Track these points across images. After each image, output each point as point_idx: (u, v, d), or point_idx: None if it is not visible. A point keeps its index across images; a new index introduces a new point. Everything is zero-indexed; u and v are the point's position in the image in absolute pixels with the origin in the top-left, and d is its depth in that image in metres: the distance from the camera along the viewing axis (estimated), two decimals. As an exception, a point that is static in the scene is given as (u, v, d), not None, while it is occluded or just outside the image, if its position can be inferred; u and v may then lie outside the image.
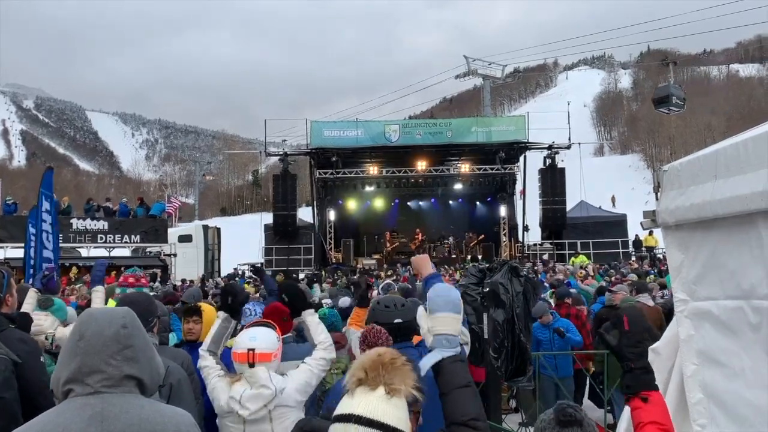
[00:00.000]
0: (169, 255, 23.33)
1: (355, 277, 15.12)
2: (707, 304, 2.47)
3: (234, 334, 3.51)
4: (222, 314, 3.49)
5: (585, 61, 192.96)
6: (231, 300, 3.53)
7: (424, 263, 2.74)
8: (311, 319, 3.55)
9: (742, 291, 2.26)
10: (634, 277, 11.71)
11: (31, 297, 4.62)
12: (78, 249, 22.06)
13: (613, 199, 49.51)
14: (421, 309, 2.18)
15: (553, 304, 8.40)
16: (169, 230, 25.19)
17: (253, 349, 3.00)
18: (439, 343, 1.99)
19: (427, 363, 1.95)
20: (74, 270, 18.98)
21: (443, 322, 2.02)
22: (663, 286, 9.80)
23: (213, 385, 3.19)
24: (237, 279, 19.69)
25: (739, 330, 2.32)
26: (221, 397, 3.10)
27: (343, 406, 1.55)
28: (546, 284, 11.03)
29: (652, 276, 14.34)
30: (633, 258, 24.95)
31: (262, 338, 3.06)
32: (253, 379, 2.99)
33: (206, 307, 4.56)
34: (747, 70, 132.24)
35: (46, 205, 9.18)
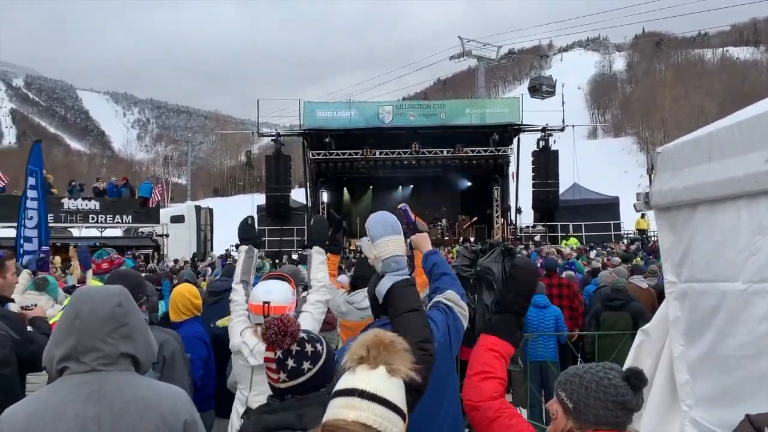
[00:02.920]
0: (161, 235, 23.27)
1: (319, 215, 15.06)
2: (686, 286, 2.52)
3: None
4: (243, 247, 3.65)
5: (579, 43, 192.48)
6: (250, 223, 3.79)
7: (424, 241, 2.84)
8: (317, 255, 3.65)
9: (711, 274, 2.30)
10: (617, 260, 11.77)
11: (23, 278, 4.63)
12: (69, 229, 21.95)
13: None
14: (365, 240, 2.24)
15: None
16: (162, 210, 25.09)
17: (268, 302, 3.12)
18: (388, 267, 2.07)
19: (382, 289, 2.03)
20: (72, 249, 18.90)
21: (386, 246, 2.10)
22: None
23: (233, 322, 3.32)
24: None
25: (704, 313, 2.37)
26: (235, 336, 3.23)
27: (346, 382, 1.56)
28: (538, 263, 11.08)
29: (638, 258, 14.45)
30: (624, 240, 25.13)
31: (277, 291, 3.18)
32: None
33: (176, 289, 4.55)
34: (741, 53, 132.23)
35: (31, 181, 9.06)
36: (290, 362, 1.90)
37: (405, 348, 1.61)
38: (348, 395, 1.52)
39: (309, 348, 1.93)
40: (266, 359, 1.97)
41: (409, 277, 2.11)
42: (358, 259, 3.83)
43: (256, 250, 3.67)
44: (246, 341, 3.15)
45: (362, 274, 3.93)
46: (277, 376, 1.93)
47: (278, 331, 1.92)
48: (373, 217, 2.22)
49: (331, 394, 1.57)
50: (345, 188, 31.24)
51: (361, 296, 3.81)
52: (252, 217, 3.89)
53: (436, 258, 2.73)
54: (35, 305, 3.79)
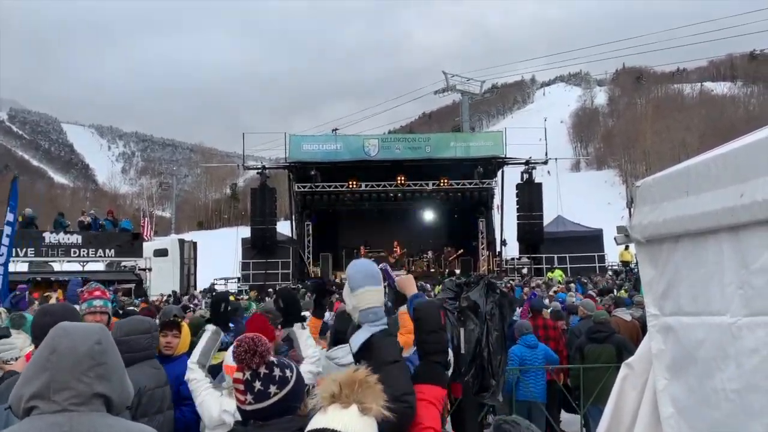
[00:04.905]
0: (144, 269, 23.03)
1: (311, 280, 14.99)
2: (671, 320, 2.52)
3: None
4: (211, 327, 3.50)
5: (561, 78, 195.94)
6: (223, 308, 3.55)
7: (408, 283, 2.85)
8: (301, 332, 3.57)
9: (697, 307, 2.31)
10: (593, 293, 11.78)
11: None
12: (50, 263, 21.66)
13: None
14: (346, 289, 2.21)
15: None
16: (145, 244, 24.90)
17: None
18: (365, 318, 2.03)
19: (357, 340, 2.00)
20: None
21: (365, 296, 2.06)
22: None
23: (203, 398, 3.19)
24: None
25: (690, 346, 2.37)
26: (213, 409, 3.11)
27: (317, 422, 1.54)
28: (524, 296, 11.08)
29: (623, 290, 14.51)
30: (609, 273, 25.23)
31: None
32: None
33: (185, 324, 4.58)
34: (719, 88, 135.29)
35: (9, 217, 9.03)
36: (257, 384, 1.91)
37: (378, 383, 1.59)
38: None
39: (277, 372, 1.93)
40: (235, 380, 1.97)
41: (387, 327, 2.07)
42: (338, 313, 3.71)
43: (222, 335, 3.52)
44: (227, 408, 3.02)
45: (345, 328, 3.79)
46: (244, 397, 1.94)
47: (248, 349, 1.92)
48: (354, 266, 2.18)
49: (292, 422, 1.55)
50: (330, 220, 31.16)
51: (343, 351, 3.66)
52: (225, 300, 3.66)
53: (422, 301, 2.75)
54: (11, 358, 3.66)
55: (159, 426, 3.39)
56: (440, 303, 3.07)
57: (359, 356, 2.02)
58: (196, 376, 3.29)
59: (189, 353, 4.22)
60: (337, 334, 4.08)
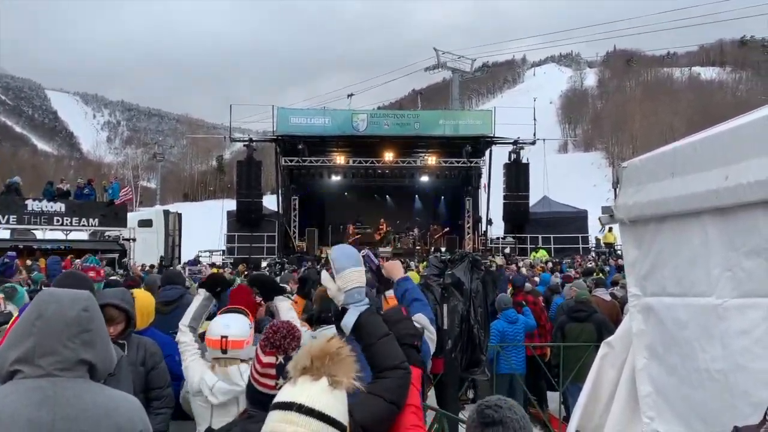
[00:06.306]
0: (128, 240, 22.89)
1: (306, 267, 14.99)
2: (653, 300, 2.55)
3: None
4: (203, 291, 3.55)
5: (552, 59, 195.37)
6: (219, 290, 3.62)
7: (395, 267, 2.96)
8: (282, 304, 3.59)
9: (681, 288, 2.34)
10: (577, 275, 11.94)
11: None
12: (33, 231, 21.45)
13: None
14: (324, 273, 2.29)
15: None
16: (129, 214, 24.70)
17: (226, 336, 3.06)
18: (351, 298, 2.09)
19: (349, 322, 2.05)
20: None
21: (351, 277, 2.12)
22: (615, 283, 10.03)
23: (188, 364, 3.24)
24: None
25: (672, 327, 2.40)
26: (194, 377, 3.15)
27: (285, 394, 1.55)
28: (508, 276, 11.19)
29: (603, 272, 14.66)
30: (592, 254, 25.46)
31: (235, 325, 3.11)
32: (228, 376, 3.06)
33: (139, 294, 4.41)
34: (708, 73, 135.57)
35: None
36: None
37: (351, 357, 1.61)
38: (285, 409, 1.51)
39: None
40: (265, 365, 2.00)
41: (371, 305, 2.15)
42: (321, 296, 3.76)
43: (213, 299, 3.58)
44: (206, 380, 3.08)
45: (328, 307, 3.79)
46: (275, 382, 1.96)
47: (286, 334, 1.99)
48: (337, 250, 2.25)
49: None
50: (317, 195, 31.07)
51: (331, 331, 3.67)
52: (226, 283, 3.76)
53: (408, 284, 2.94)
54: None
55: None
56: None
57: (353, 336, 2.08)
58: (185, 339, 3.33)
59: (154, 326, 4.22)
60: (321, 313, 4.12)
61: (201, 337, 3.38)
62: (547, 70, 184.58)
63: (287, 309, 3.57)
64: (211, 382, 3.06)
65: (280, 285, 3.91)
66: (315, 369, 1.56)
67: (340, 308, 2.13)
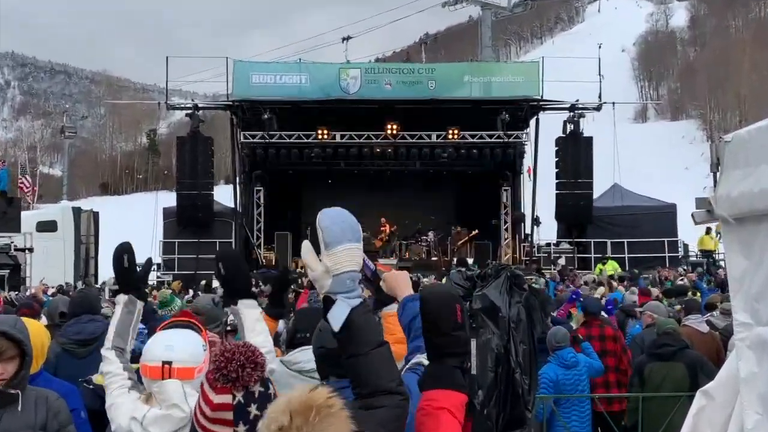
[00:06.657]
0: (23, 250, 22.89)
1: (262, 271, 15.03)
2: (766, 331, 2.53)
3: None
4: (122, 297, 3.49)
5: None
6: (127, 263, 3.49)
7: (401, 281, 2.88)
8: (249, 312, 3.51)
9: None
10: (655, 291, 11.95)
11: None
12: None
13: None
14: (306, 243, 2.20)
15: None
16: (24, 214, 24.68)
17: (169, 363, 3.02)
18: (342, 285, 2.02)
19: (339, 316, 1.99)
20: None
21: (345, 256, 2.05)
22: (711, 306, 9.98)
23: (113, 400, 3.20)
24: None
25: None
26: (121, 417, 3.11)
27: None
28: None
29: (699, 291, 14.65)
30: (683, 266, 25.41)
31: (181, 346, 3.09)
32: (162, 396, 3.00)
33: (29, 324, 4.32)
34: None
35: None
36: (253, 409, 1.90)
37: (344, 412, 1.60)
38: None
39: (273, 390, 1.94)
40: (217, 406, 1.97)
41: (365, 300, 2.11)
42: (299, 310, 3.67)
43: (139, 303, 3.50)
44: (136, 416, 3.04)
45: (306, 327, 3.76)
46: (232, 429, 1.95)
47: (245, 362, 1.94)
48: (329, 215, 2.16)
49: None
50: (290, 186, 31.07)
51: (305, 355, 3.62)
52: (129, 252, 3.57)
53: (417, 307, 2.73)
54: None
55: None
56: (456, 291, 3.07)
57: (341, 337, 2.03)
58: (111, 368, 3.30)
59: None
60: (296, 333, 4.10)
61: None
62: (619, 4, 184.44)
63: (255, 320, 3.52)
64: (141, 414, 3.02)
65: (251, 281, 3.83)
66: (294, 429, 1.55)
67: (322, 296, 2.07)
